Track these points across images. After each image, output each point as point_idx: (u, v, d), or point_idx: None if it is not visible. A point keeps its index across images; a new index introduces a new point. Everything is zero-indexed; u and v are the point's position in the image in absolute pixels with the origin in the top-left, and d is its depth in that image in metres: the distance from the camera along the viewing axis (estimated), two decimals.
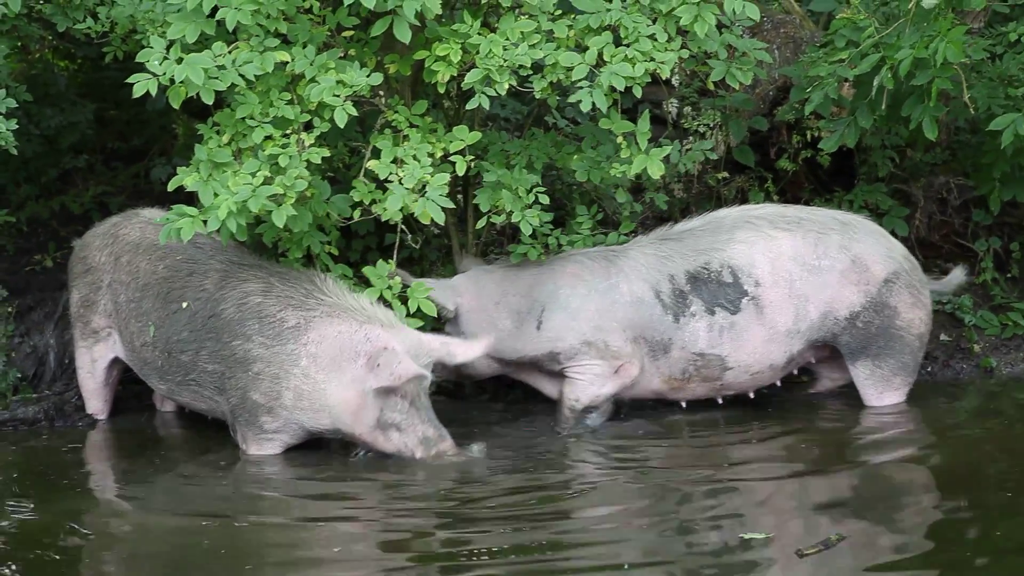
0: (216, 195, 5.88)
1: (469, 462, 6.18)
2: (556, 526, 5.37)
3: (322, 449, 6.47)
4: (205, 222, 5.87)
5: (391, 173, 6.11)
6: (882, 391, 6.87)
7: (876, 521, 5.26)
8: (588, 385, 6.75)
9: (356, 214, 6.40)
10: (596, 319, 6.69)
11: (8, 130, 6.28)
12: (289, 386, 6.23)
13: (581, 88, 6.13)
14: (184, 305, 6.49)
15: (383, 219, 6.25)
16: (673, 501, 5.61)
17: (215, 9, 5.84)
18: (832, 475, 5.98)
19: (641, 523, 5.39)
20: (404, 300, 6.49)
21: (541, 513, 5.53)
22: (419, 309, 6.49)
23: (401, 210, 6.13)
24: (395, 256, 6.59)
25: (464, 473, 6.08)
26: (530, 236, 6.71)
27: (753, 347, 6.72)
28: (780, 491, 5.78)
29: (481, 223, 6.74)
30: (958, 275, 7.16)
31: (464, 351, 6.31)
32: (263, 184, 5.89)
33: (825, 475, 5.96)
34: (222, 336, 6.38)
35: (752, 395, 6.91)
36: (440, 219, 6.06)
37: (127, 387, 7.23)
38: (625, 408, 6.92)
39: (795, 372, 7.00)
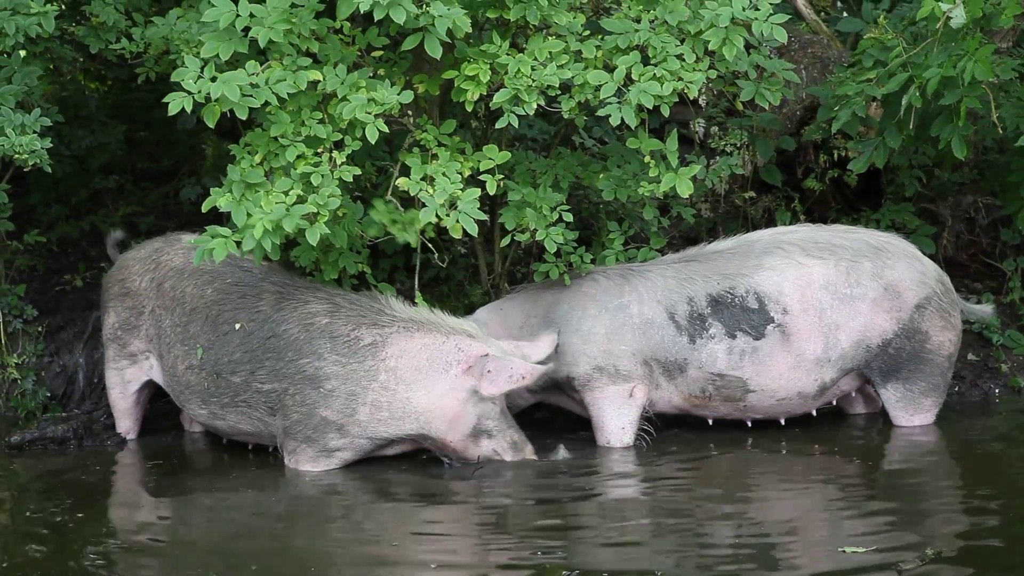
0: (249, 215, 5.91)
1: (553, 464, 6.43)
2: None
3: (356, 466, 6.47)
4: (239, 243, 5.90)
5: (421, 190, 6.15)
6: (912, 413, 6.85)
7: (903, 537, 5.31)
8: (611, 419, 6.75)
9: (375, 231, 6.43)
10: (605, 343, 6.70)
11: (42, 148, 6.34)
12: (366, 401, 6.31)
13: (610, 103, 6.15)
14: (237, 326, 6.53)
15: (400, 241, 6.29)
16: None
17: (248, 28, 5.89)
18: (862, 493, 6.03)
19: (735, 534, 5.44)
20: None
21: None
22: None
23: (423, 232, 6.17)
24: (416, 278, 6.63)
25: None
26: (554, 254, 6.72)
27: (778, 373, 6.70)
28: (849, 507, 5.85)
29: (505, 241, 6.76)
30: (987, 311, 7.17)
31: (535, 350, 6.42)
32: (296, 203, 5.93)
33: (860, 494, 6.01)
34: (284, 355, 6.42)
35: (783, 421, 6.88)
36: (473, 231, 6.08)
37: (154, 406, 7.25)
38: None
39: (833, 403, 6.97)
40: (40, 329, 7.69)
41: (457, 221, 6.04)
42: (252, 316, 6.55)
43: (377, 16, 5.85)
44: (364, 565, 5.26)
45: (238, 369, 6.52)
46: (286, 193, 5.95)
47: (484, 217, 6.22)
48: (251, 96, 5.87)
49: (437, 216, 6.05)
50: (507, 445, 6.41)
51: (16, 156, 6.34)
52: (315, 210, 5.93)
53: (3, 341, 7.55)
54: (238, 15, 5.86)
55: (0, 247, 7.71)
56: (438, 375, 6.28)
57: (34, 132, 6.37)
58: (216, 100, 5.84)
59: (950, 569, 4.92)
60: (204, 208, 6.10)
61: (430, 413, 6.28)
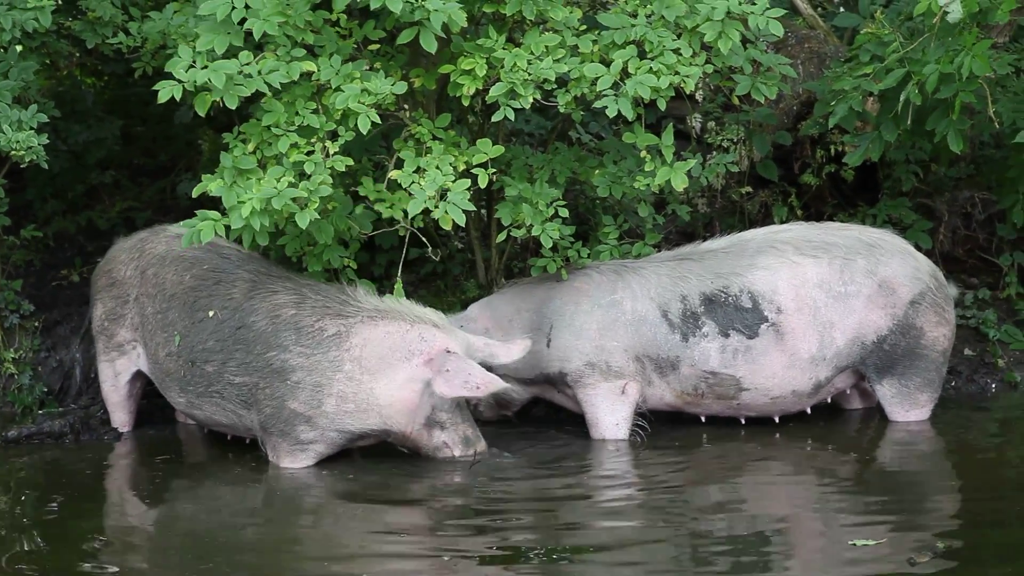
0: (239, 199, 5.92)
1: (502, 464, 6.32)
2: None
3: (348, 460, 6.47)
4: (228, 227, 5.91)
5: (413, 182, 6.15)
6: (908, 409, 6.85)
7: (909, 531, 5.35)
8: (604, 416, 6.74)
9: (359, 208, 6.39)
10: (598, 338, 6.69)
11: (39, 144, 6.34)
12: (332, 392, 6.26)
13: (606, 95, 6.15)
14: (211, 313, 6.52)
15: (383, 216, 6.28)
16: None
17: (243, 20, 5.90)
18: (862, 487, 6.05)
19: (739, 529, 5.47)
20: None
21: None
22: None
23: (413, 220, 6.17)
24: (400, 267, 6.62)
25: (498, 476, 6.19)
26: (551, 249, 6.72)
27: (772, 371, 6.70)
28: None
29: (501, 236, 6.76)
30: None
31: (505, 352, 6.37)
32: (288, 188, 5.93)
33: (858, 489, 6.03)
34: (254, 348, 6.41)
35: (777, 419, 6.88)
36: (461, 221, 6.08)
37: (151, 400, 7.25)
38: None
39: (828, 400, 6.97)
40: (37, 324, 7.70)
41: (446, 212, 6.04)
42: (224, 304, 6.54)
43: (373, 6, 5.85)
44: (349, 560, 5.27)
45: (211, 358, 6.52)
46: (278, 180, 5.96)
47: (473, 208, 6.22)
48: (241, 85, 5.87)
49: (426, 206, 6.05)
50: (458, 439, 6.33)
51: (13, 152, 6.34)
52: (306, 195, 5.93)
53: (0, 336, 7.55)
54: (234, 7, 5.87)
55: None
56: (400, 363, 6.20)
57: (31, 128, 6.37)
58: (205, 87, 5.84)
59: (961, 563, 4.93)
60: (194, 193, 6.12)
61: (390, 407, 6.22)
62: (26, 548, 5.38)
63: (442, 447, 6.33)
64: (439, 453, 6.34)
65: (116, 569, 5.18)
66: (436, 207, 6.06)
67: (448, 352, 6.17)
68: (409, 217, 6.14)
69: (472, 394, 6.19)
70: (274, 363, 6.35)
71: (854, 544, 5.11)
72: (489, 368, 6.29)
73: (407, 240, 6.52)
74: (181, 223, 6.22)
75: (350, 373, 6.23)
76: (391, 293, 6.50)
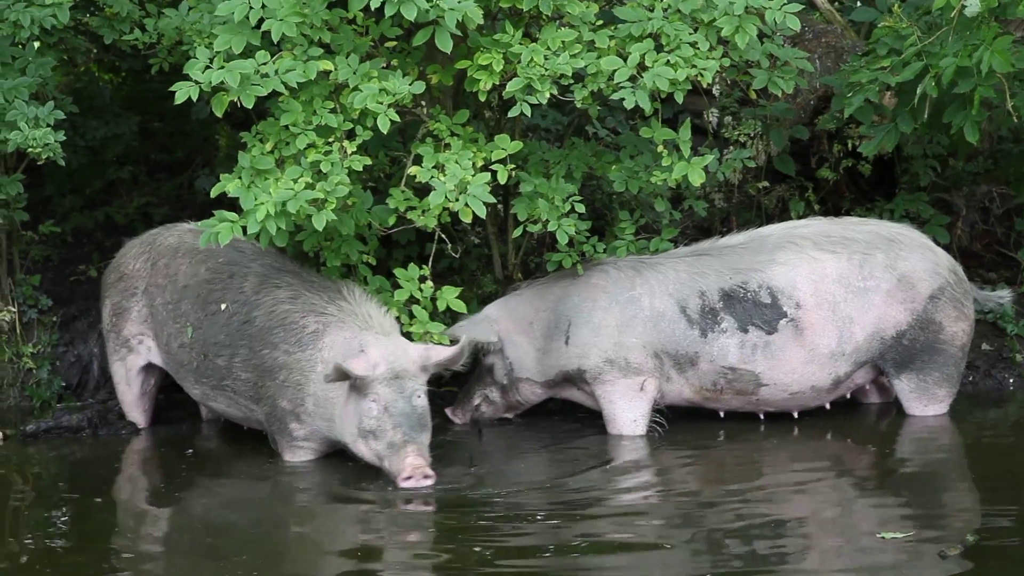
0: (257, 200, 5.92)
1: (516, 455, 6.24)
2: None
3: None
4: (244, 228, 5.92)
5: (433, 177, 6.15)
6: (926, 403, 6.84)
7: (925, 526, 5.33)
8: (623, 412, 6.74)
9: (392, 219, 6.42)
10: (616, 335, 6.68)
11: (56, 141, 6.36)
12: (310, 392, 6.24)
13: (624, 88, 6.14)
14: (223, 307, 6.52)
15: (417, 225, 6.28)
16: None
17: (261, 20, 5.90)
18: (882, 481, 6.06)
19: (765, 521, 5.47)
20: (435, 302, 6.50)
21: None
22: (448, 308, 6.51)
23: (439, 217, 6.17)
24: (430, 263, 6.59)
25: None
26: (567, 244, 6.71)
27: (791, 367, 6.69)
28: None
29: (517, 232, 6.76)
30: (1004, 295, 7.13)
31: (439, 353, 6.10)
32: (305, 189, 5.94)
33: (878, 483, 6.05)
34: (254, 345, 6.41)
35: (796, 415, 6.87)
36: (482, 213, 6.06)
37: (170, 396, 7.27)
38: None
39: (847, 396, 6.96)
40: (55, 319, 7.73)
41: (466, 205, 6.04)
42: (236, 297, 6.53)
43: (388, 12, 5.85)
44: (364, 555, 5.28)
45: (221, 352, 6.53)
46: (295, 180, 5.96)
47: (493, 200, 6.21)
48: (258, 85, 5.88)
49: (447, 198, 6.05)
50: (384, 446, 5.92)
51: (30, 150, 6.36)
52: (323, 196, 5.94)
53: (18, 331, 7.59)
54: (251, 8, 5.88)
55: (15, 237, 7.74)
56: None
57: (48, 126, 6.39)
58: (221, 87, 5.85)
59: (989, 555, 4.94)
60: (213, 193, 6.12)
61: (338, 417, 6.12)
62: (43, 542, 5.40)
63: (375, 456, 5.98)
64: (382, 465, 5.96)
65: (133, 563, 5.20)
66: (456, 200, 6.06)
67: (361, 352, 6.01)
68: (436, 212, 6.13)
69: (324, 373, 5.98)
70: (267, 361, 6.36)
71: (883, 537, 5.11)
72: (448, 374, 6.29)
73: (427, 236, 6.50)
74: (199, 223, 6.21)
75: (321, 375, 6.15)
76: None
